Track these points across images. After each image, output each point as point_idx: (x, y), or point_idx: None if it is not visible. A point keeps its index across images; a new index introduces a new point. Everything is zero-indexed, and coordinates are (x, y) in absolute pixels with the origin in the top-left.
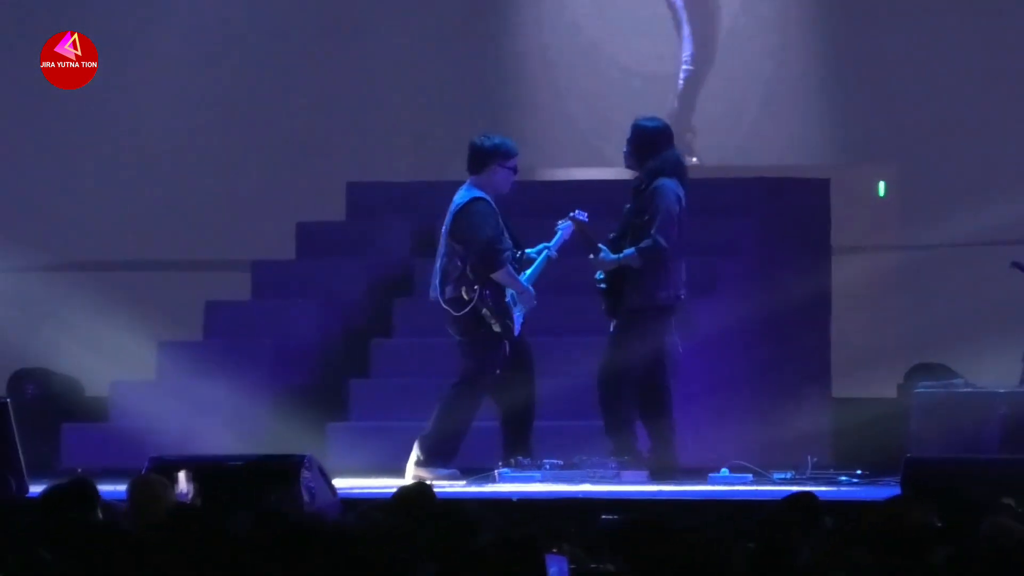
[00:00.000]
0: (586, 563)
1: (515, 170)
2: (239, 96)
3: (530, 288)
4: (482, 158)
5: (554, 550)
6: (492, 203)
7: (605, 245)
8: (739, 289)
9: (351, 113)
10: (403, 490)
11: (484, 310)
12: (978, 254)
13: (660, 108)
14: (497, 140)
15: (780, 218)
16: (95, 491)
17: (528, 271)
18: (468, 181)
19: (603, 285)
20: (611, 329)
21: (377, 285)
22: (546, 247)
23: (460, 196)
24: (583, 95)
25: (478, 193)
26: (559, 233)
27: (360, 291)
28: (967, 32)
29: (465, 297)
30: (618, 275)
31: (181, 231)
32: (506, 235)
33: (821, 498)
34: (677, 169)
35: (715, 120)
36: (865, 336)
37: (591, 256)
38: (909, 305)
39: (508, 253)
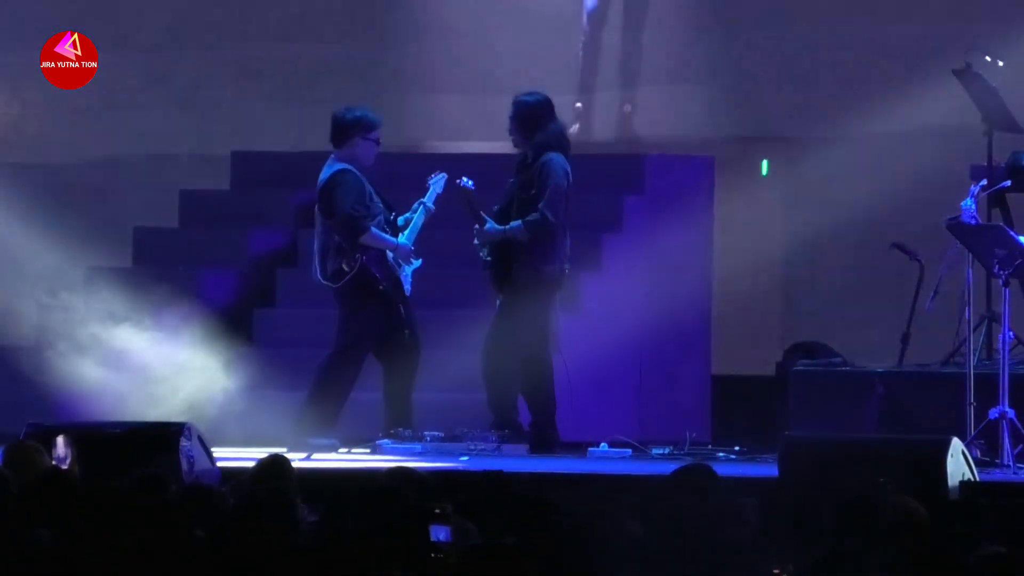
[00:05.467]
0: (469, 535)
1: (377, 141)
2: (123, 63)
3: (405, 244)
4: (344, 131)
5: (436, 511)
6: (356, 172)
7: (490, 217)
8: (623, 265)
9: (236, 82)
10: (261, 462)
11: (372, 274)
12: (859, 234)
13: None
14: (359, 112)
15: (665, 195)
16: None
17: (407, 230)
18: (332, 156)
19: (488, 258)
20: (497, 303)
21: (261, 255)
22: (421, 203)
23: (324, 172)
24: (474, 66)
25: (341, 166)
26: (431, 187)
27: (243, 261)
28: (852, 10)
29: (346, 268)
30: (504, 248)
31: (64, 197)
32: (376, 201)
33: None
34: (562, 142)
35: (605, 94)
36: (744, 314)
37: (476, 227)
38: (789, 284)
39: (379, 217)
